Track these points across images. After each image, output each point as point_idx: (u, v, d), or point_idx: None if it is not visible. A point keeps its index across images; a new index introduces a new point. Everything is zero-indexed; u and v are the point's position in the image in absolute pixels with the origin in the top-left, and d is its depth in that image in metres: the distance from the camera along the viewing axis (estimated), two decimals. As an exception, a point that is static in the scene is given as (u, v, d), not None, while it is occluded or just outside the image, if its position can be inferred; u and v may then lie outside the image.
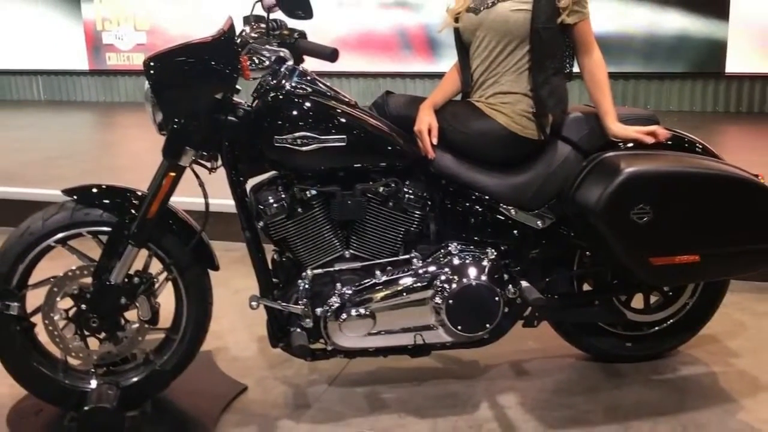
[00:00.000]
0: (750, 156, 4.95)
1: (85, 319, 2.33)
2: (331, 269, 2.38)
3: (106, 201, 2.31)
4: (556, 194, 2.45)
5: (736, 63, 6.64)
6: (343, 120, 2.30)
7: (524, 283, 2.45)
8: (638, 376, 2.65)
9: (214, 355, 2.82)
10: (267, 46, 2.31)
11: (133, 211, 2.29)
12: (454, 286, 2.35)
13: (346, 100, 2.38)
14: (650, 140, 2.39)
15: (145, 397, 2.45)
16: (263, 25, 2.35)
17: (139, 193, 2.34)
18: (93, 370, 2.40)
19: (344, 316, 2.33)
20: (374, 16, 7.50)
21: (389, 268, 2.40)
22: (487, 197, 2.45)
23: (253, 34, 2.34)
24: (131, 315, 2.37)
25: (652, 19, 6.74)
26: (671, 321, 2.73)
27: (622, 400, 2.50)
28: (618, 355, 2.73)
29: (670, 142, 2.46)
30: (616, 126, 2.40)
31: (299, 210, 2.34)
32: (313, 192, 2.33)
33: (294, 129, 2.25)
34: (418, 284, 2.37)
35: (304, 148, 2.25)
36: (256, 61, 2.31)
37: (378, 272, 2.38)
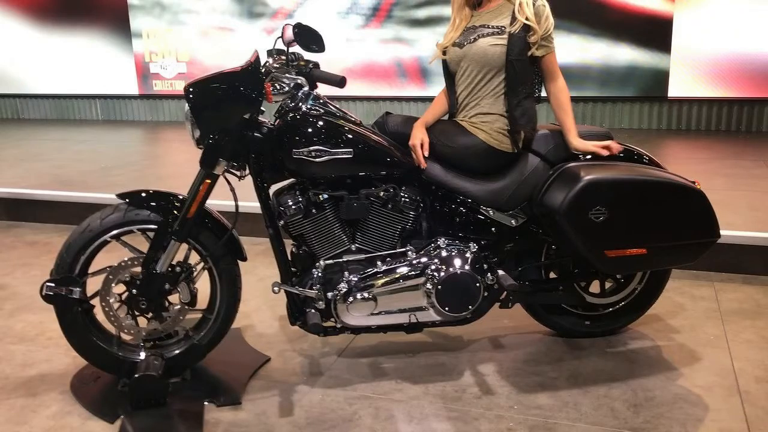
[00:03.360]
0: (688, 166, 4.96)
1: (136, 302, 2.32)
2: (340, 260, 2.37)
3: (153, 203, 2.31)
4: (527, 198, 2.44)
5: (676, 89, 6.64)
6: (350, 136, 2.29)
7: (500, 272, 2.45)
8: (595, 349, 2.64)
9: (242, 332, 2.82)
10: (287, 75, 2.30)
11: (175, 212, 2.29)
12: (442, 274, 2.35)
13: (353, 119, 2.37)
14: (605, 153, 2.40)
15: (185, 366, 2.44)
16: (284, 57, 2.34)
17: (181, 197, 2.33)
18: (142, 344, 2.40)
19: (351, 299, 2.33)
20: (376, 50, 7.48)
21: (388, 259, 2.40)
22: (469, 200, 2.44)
23: (275, 65, 2.34)
24: (174, 298, 2.37)
25: (607, 52, 6.74)
26: (623, 303, 2.72)
27: (582, 368, 2.50)
28: (578, 332, 2.72)
29: (622, 154, 2.46)
30: (577, 141, 2.40)
31: (313, 211, 2.33)
32: (325, 196, 2.33)
33: (309, 143, 2.25)
34: (413, 273, 2.37)
35: (317, 160, 2.25)
36: (278, 87, 2.30)
37: (379, 262, 2.38)
